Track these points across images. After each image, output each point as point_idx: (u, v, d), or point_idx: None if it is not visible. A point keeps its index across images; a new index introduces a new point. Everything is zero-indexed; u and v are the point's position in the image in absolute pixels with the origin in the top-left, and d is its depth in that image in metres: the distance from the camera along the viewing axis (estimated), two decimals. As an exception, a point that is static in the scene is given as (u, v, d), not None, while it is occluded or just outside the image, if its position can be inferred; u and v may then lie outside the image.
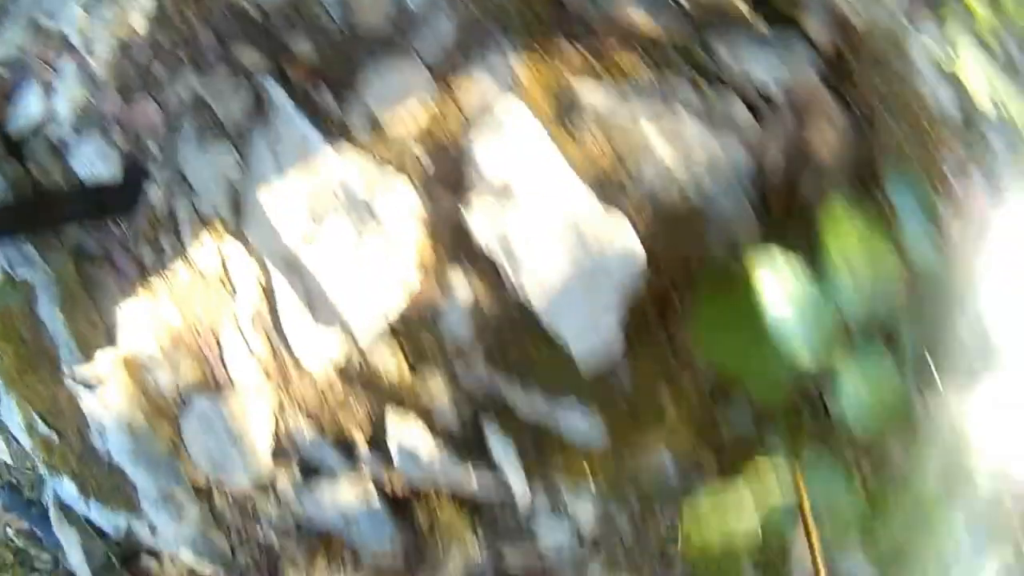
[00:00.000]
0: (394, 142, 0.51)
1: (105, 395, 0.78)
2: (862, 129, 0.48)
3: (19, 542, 1.21)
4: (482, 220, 0.47)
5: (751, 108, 0.48)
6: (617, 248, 0.45)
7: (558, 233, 0.46)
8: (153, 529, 0.89)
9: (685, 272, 0.46)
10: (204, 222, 0.63)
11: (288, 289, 0.57)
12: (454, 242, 0.49)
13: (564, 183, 0.46)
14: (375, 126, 0.51)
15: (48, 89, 0.76)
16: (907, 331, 0.43)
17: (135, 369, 0.76)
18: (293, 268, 0.55)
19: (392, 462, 0.57)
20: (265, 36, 0.57)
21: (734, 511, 0.34)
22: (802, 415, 0.41)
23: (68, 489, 0.95)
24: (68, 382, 0.81)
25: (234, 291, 0.63)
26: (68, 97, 0.74)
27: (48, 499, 1.04)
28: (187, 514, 0.83)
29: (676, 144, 0.46)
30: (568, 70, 0.46)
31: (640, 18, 0.46)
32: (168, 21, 0.64)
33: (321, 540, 0.70)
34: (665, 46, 0.46)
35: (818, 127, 0.48)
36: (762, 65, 0.47)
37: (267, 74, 0.54)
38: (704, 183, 0.46)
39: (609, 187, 0.47)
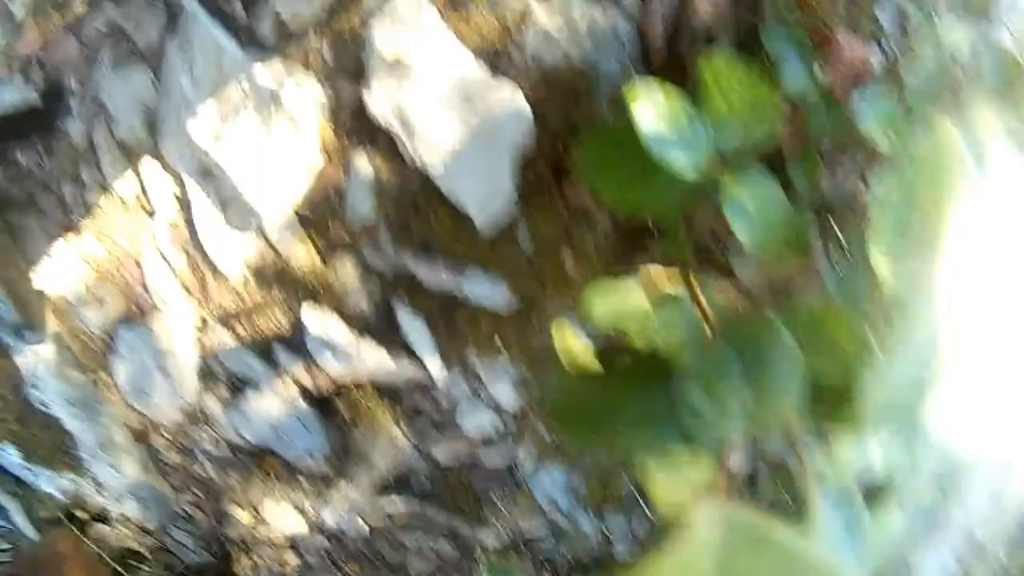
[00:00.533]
0: (298, 40, 0.52)
1: (38, 345, 0.77)
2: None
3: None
4: (379, 98, 0.48)
5: None
6: (506, 111, 0.47)
7: (450, 101, 0.47)
8: (98, 484, 0.87)
9: (572, 130, 0.47)
10: (122, 148, 0.63)
11: (202, 196, 0.57)
12: (354, 123, 0.49)
13: (454, 56, 0.47)
14: (281, 29, 0.52)
15: None
16: (791, 159, 0.45)
17: (63, 312, 0.75)
18: (206, 173, 0.55)
19: (312, 360, 0.57)
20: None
21: (625, 296, 0.35)
22: (695, 232, 0.42)
23: (12, 457, 0.93)
24: (2, 338, 0.80)
25: (152, 211, 0.63)
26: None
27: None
28: (126, 462, 0.82)
29: (558, 16, 0.48)
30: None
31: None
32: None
33: (256, 460, 0.70)
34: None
35: None
36: None
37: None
38: (586, 48, 0.48)
39: (496, 56, 0.48)
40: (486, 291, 0.49)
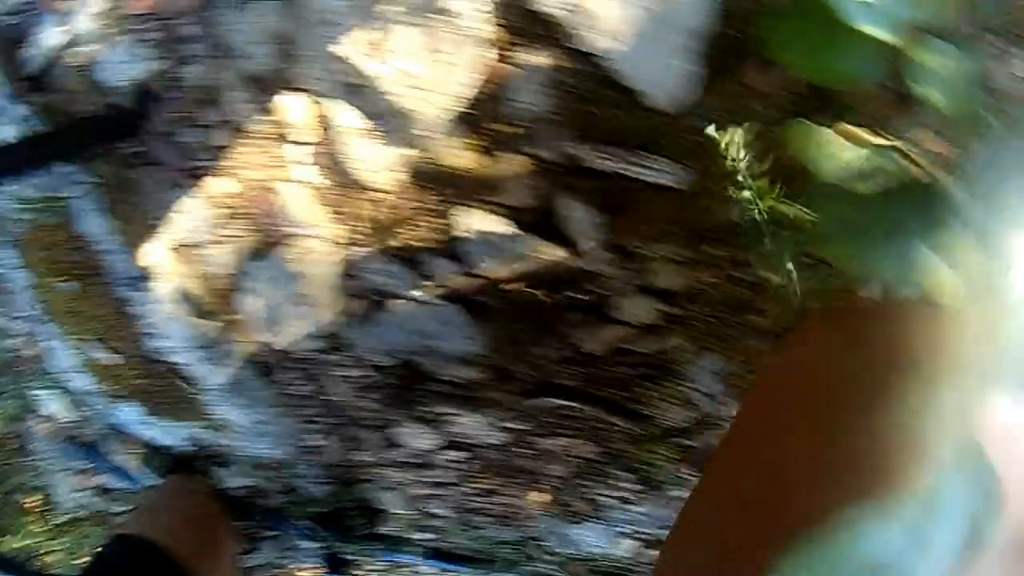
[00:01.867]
0: None
1: (160, 292, 0.78)
2: None
3: (92, 504, 1.21)
4: None
5: None
6: None
7: None
8: (221, 427, 0.90)
9: (751, 14, 0.49)
10: (251, 81, 0.64)
11: (349, 113, 0.58)
12: (523, 19, 0.50)
13: None
14: None
15: (63, 18, 0.76)
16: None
17: (187, 255, 0.77)
18: (354, 90, 0.57)
19: (464, 263, 0.59)
20: None
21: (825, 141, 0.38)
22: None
23: (130, 414, 0.95)
24: (122, 292, 0.82)
25: (291, 139, 0.64)
26: (89, 12, 0.74)
27: (110, 438, 1.04)
28: (255, 399, 0.84)
29: None
30: None
31: None
32: None
33: (395, 376, 0.72)
34: None
35: None
36: None
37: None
38: None
39: None
40: (659, 171, 0.51)
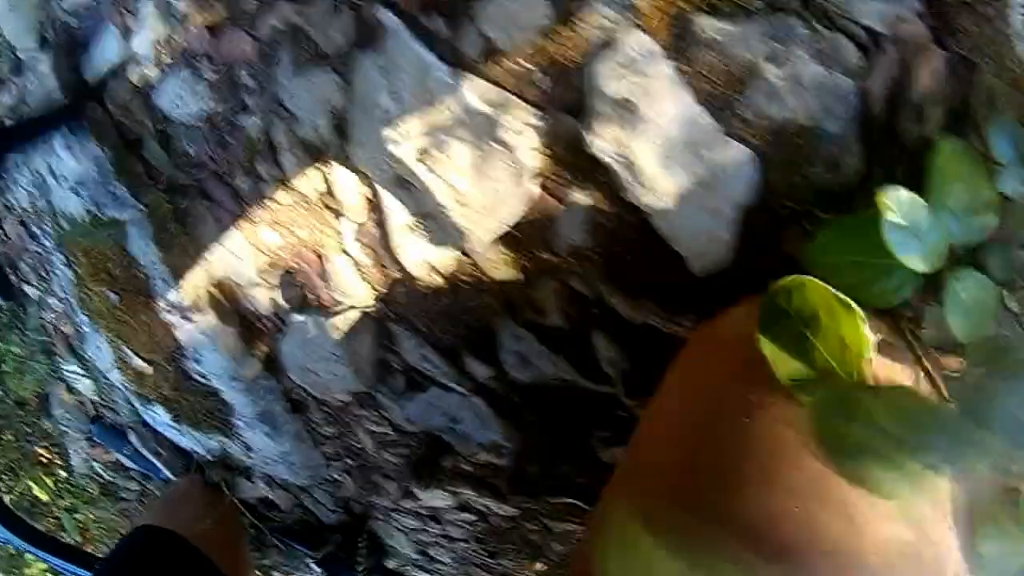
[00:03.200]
0: (512, 68, 0.55)
1: (201, 322, 0.84)
2: (959, 74, 0.52)
3: (106, 475, 1.30)
4: (601, 135, 0.51)
5: (860, 48, 0.52)
6: (732, 163, 0.50)
7: (676, 148, 0.50)
8: (248, 448, 0.97)
9: (794, 189, 0.51)
10: (305, 147, 0.67)
11: (397, 205, 0.62)
12: (571, 156, 0.53)
13: (681, 104, 0.50)
14: (492, 52, 0.54)
15: (126, 31, 0.79)
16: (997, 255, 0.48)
17: (231, 294, 0.81)
18: (403, 185, 0.60)
19: (499, 368, 0.63)
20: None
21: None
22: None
23: (161, 416, 1.03)
24: (163, 314, 0.87)
25: (338, 212, 0.68)
26: (148, 36, 0.77)
27: (136, 428, 1.12)
28: (283, 431, 0.91)
29: (786, 71, 0.50)
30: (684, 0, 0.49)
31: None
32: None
33: (419, 443, 0.77)
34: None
35: (920, 69, 0.52)
36: (870, 7, 0.50)
37: (375, 2, 0.57)
38: (811, 107, 0.50)
39: (723, 107, 0.50)
40: (687, 327, 0.53)
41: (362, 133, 0.64)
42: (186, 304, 0.84)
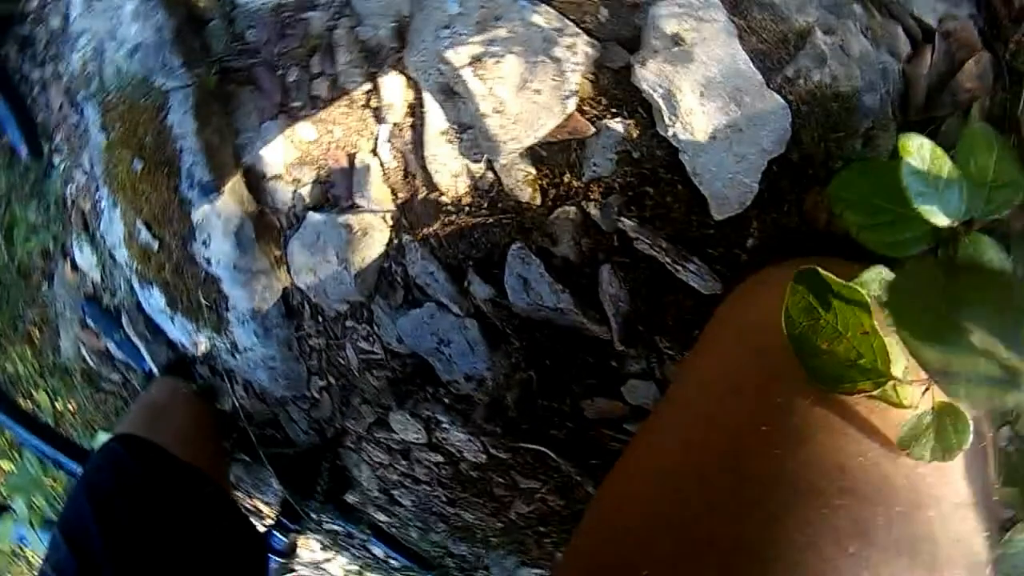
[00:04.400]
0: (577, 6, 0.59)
1: (219, 205, 0.88)
2: (1003, 81, 0.55)
3: (90, 361, 1.35)
4: (650, 69, 0.55)
5: (910, 36, 0.55)
6: (768, 113, 0.53)
7: (719, 92, 0.54)
8: (234, 348, 1.01)
9: (823, 153, 0.54)
10: (363, 47, 0.72)
11: (438, 113, 0.66)
12: (615, 86, 0.57)
13: (732, 51, 0.54)
14: None
15: None
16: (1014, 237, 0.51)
17: (255, 183, 0.86)
18: (449, 93, 0.64)
19: (501, 293, 0.66)
20: None
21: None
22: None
23: (156, 301, 1.07)
24: (184, 191, 0.92)
25: (380, 116, 0.72)
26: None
27: (129, 312, 1.17)
28: (273, 334, 0.95)
29: (835, 40, 0.53)
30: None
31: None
32: None
33: (403, 368, 0.80)
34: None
35: (967, 68, 0.55)
36: (926, 2, 0.54)
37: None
38: (854, 77, 0.54)
39: (770, 63, 0.54)
40: (695, 274, 0.56)
41: (420, 38, 0.69)
42: (208, 184, 0.89)
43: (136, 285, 1.12)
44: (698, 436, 0.44)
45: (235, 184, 0.89)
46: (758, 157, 0.52)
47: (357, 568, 1.12)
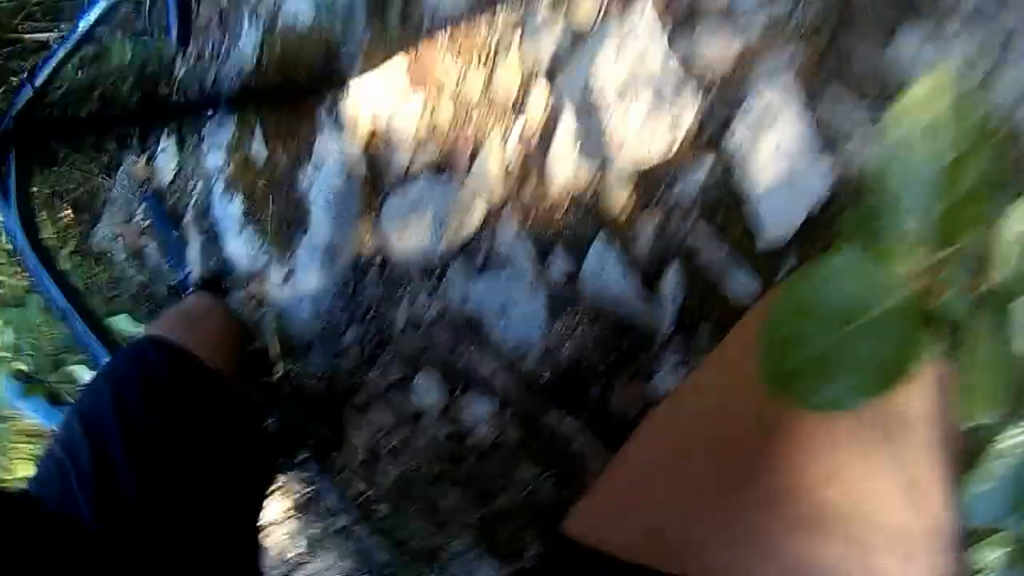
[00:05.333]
0: (701, 71, 0.91)
1: (345, 143, 1.18)
2: None
3: (119, 254, 1.64)
4: (740, 131, 0.86)
5: None
6: (817, 175, 0.83)
7: (791, 154, 0.84)
8: (289, 276, 1.28)
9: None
10: (524, 60, 1.05)
11: (571, 122, 0.96)
12: (714, 137, 0.87)
13: (805, 125, 0.84)
14: (693, 57, 0.92)
15: None
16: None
17: (383, 135, 1.17)
18: (587, 110, 0.95)
19: (577, 278, 0.94)
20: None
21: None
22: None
23: (233, 210, 1.37)
24: (321, 118, 1.22)
25: (518, 113, 1.03)
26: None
27: (195, 218, 1.46)
28: (334, 271, 1.22)
29: None
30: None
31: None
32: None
33: (453, 330, 1.07)
34: None
35: None
36: None
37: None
38: None
39: (827, 138, 0.84)
40: (743, 284, 0.85)
41: (578, 67, 1.00)
42: (346, 121, 1.19)
43: (217, 191, 1.42)
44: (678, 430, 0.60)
45: (367, 133, 1.19)
46: (805, 203, 0.82)
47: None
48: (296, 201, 1.23)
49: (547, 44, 1.00)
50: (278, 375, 1.26)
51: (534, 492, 1.02)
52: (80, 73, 1.58)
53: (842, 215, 0.78)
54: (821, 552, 0.45)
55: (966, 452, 0.53)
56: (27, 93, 1.34)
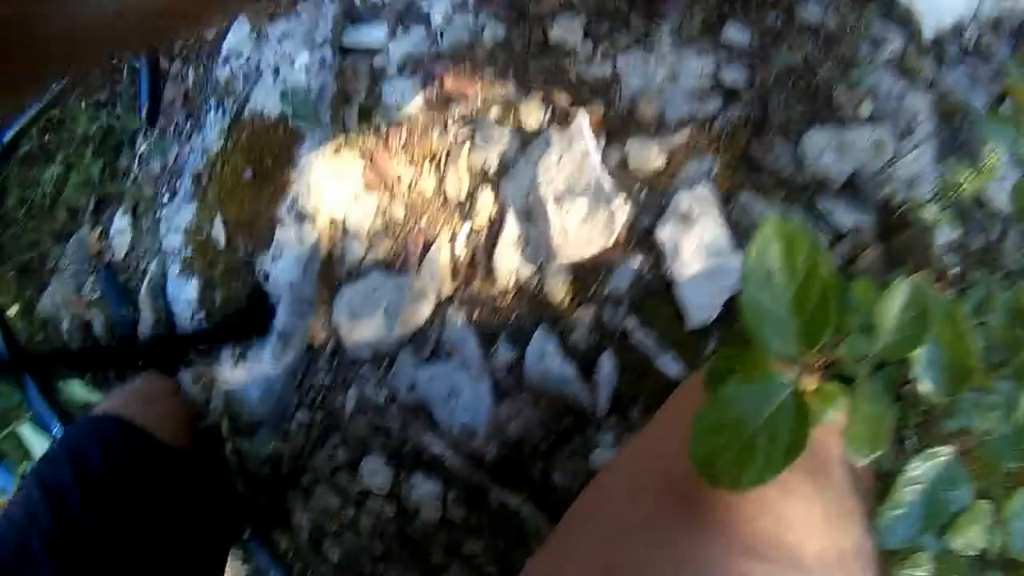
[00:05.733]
0: (632, 178, 1.12)
1: (306, 235, 1.35)
2: None
3: (65, 324, 1.77)
4: (666, 229, 1.04)
5: None
6: (733, 267, 1.03)
7: (708, 248, 1.04)
8: (240, 359, 1.43)
9: None
10: (470, 169, 1.24)
11: (516, 225, 1.15)
12: (641, 235, 1.06)
13: (720, 231, 1.04)
14: (624, 169, 1.12)
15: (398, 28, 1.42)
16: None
17: (340, 228, 1.34)
18: (528, 215, 1.13)
19: (519, 361, 1.12)
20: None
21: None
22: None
23: (187, 292, 1.52)
24: (282, 212, 1.39)
25: (467, 214, 1.22)
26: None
27: (149, 295, 1.61)
28: (284, 358, 1.37)
29: None
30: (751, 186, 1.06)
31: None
32: None
33: (402, 415, 1.23)
34: None
35: None
36: None
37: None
38: None
39: (740, 237, 1.04)
40: (671, 365, 1.04)
41: (518, 175, 1.19)
42: (305, 216, 1.36)
43: (172, 272, 1.57)
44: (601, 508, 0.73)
45: (325, 226, 1.36)
46: (724, 293, 1.01)
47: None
48: (256, 285, 1.39)
49: (494, 152, 1.20)
50: (226, 453, 1.40)
51: (480, 567, 1.18)
52: (46, 137, 1.73)
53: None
54: (757, 572, 0.56)
55: (879, 484, 0.69)
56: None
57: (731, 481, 0.59)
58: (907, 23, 1.06)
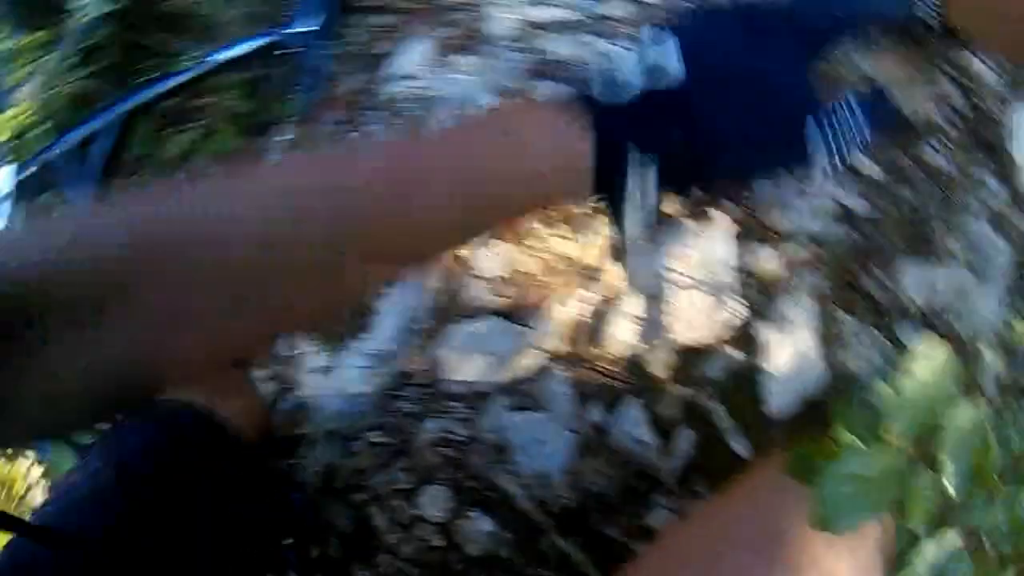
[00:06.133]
0: (752, 279, 1.34)
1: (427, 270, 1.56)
2: None
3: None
4: (767, 331, 1.26)
5: None
6: (818, 377, 1.22)
7: (798, 355, 1.24)
8: (329, 369, 1.61)
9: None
10: (604, 236, 1.47)
11: (634, 303, 1.36)
12: (745, 331, 1.27)
13: (810, 341, 1.25)
14: (748, 266, 1.35)
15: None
16: None
17: (462, 267, 1.55)
18: (654, 297, 1.36)
19: (604, 421, 1.30)
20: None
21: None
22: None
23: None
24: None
25: (590, 281, 1.43)
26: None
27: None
28: (380, 376, 1.54)
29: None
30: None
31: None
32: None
33: (487, 450, 1.39)
34: None
35: None
36: None
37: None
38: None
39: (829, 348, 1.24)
40: (741, 446, 1.21)
41: (641, 261, 1.42)
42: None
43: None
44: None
45: (450, 260, 1.57)
46: (800, 395, 1.21)
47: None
48: (364, 310, 1.59)
49: (630, 231, 1.43)
50: (290, 461, 1.56)
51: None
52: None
53: (831, 405, 1.17)
54: None
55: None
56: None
57: (838, 527, 0.92)
58: (1009, 178, 1.32)
